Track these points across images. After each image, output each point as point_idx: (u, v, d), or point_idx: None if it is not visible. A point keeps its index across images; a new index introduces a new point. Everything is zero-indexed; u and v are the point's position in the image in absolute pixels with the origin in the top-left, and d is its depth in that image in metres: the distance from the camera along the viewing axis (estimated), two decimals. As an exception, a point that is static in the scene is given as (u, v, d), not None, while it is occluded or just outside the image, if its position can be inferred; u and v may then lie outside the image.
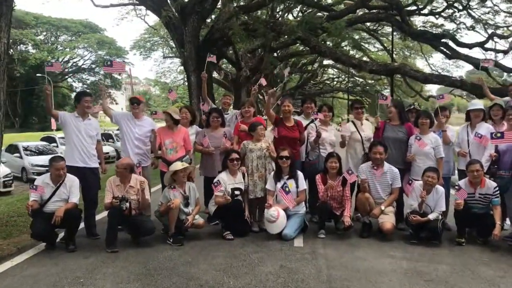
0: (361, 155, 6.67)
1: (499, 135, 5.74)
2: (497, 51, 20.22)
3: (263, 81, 7.08)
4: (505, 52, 19.78)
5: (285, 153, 6.25)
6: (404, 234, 6.17)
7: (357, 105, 6.97)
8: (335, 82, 45.81)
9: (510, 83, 7.95)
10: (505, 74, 20.89)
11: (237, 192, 6.17)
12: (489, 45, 19.98)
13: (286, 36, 19.14)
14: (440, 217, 5.80)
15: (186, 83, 17.95)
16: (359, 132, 6.65)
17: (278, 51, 27.91)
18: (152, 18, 31.32)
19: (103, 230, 5.81)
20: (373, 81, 38.91)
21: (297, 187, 6.22)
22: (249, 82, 23.81)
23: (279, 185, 6.16)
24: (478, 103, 6.37)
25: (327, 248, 5.63)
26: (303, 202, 6.36)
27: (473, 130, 6.25)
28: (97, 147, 6.26)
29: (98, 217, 6.64)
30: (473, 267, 4.97)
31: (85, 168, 6.02)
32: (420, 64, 35.83)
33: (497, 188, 5.75)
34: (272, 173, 6.33)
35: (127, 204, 5.56)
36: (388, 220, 5.96)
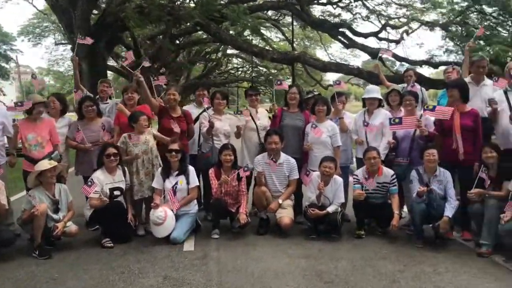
0: (256, 145, 6.16)
1: (397, 121, 5.52)
2: (390, 41, 21.09)
3: (145, 63, 6.27)
4: (397, 42, 20.68)
5: (175, 146, 5.56)
6: (303, 228, 5.79)
7: (251, 92, 6.43)
8: (239, 72, 45.66)
9: (406, 69, 7.90)
10: (397, 63, 21.81)
11: (117, 193, 5.36)
12: (383, 35, 20.79)
13: (188, 23, 18.30)
14: (339, 209, 5.49)
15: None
16: (254, 121, 6.14)
17: (181, 39, 26.95)
18: (42, 1, 28.52)
19: None
20: (276, 71, 39.30)
21: (188, 183, 5.57)
22: (150, 71, 22.59)
23: (168, 183, 5.47)
24: (374, 90, 6.13)
25: (221, 250, 5.06)
26: (195, 200, 5.71)
27: (370, 116, 6.02)
28: None
29: None
30: (373, 262, 4.68)
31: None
32: (320, 54, 36.79)
33: (394, 176, 5.55)
34: (160, 169, 5.61)
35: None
36: (286, 215, 5.53)
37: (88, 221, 5.41)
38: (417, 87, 6.72)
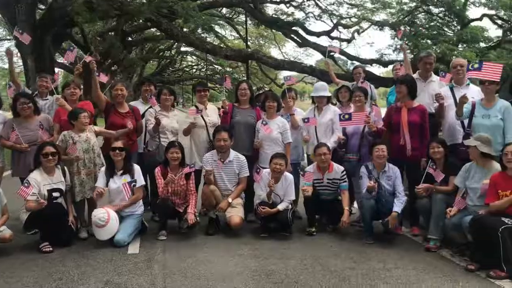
0: (206, 143, 5.97)
1: (347, 116, 5.49)
2: (341, 40, 21.44)
3: (87, 58, 5.93)
4: (348, 41, 21.02)
5: (118, 143, 5.29)
6: (254, 227, 5.66)
7: (199, 88, 6.20)
8: (194, 70, 45.14)
9: (355, 66, 7.94)
10: (349, 62, 22.18)
11: (56, 194, 5.02)
12: (335, 34, 21.09)
13: (140, 20, 17.83)
14: (290, 206, 5.40)
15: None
16: (203, 118, 5.94)
17: (133, 36, 26.25)
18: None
19: None
20: (231, 69, 39.12)
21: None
22: (101, 68, 21.88)
23: (112, 183, 5.20)
24: (321, 89, 6.08)
25: (167, 252, 4.85)
26: (141, 201, 5.46)
27: (320, 113, 5.97)
28: None
29: None
30: (323, 259, 4.60)
31: None
32: (275, 53, 36.89)
33: (344, 172, 5.53)
34: (103, 168, 5.32)
35: None
36: (236, 214, 5.37)
37: (24, 225, 5.05)
38: (367, 84, 6.75)
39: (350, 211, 5.41)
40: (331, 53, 18.72)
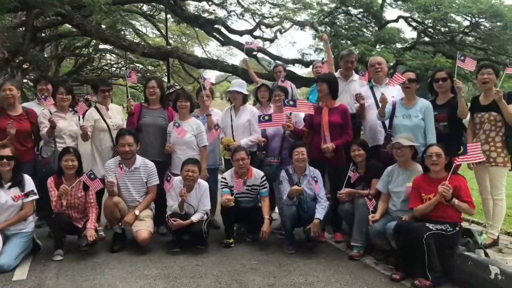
0: (109, 148, 5.30)
1: (266, 118, 5.08)
2: (264, 39, 21.25)
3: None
4: (271, 41, 20.89)
5: (6, 151, 4.50)
6: (166, 240, 5.11)
7: (103, 87, 5.42)
8: (114, 68, 43.13)
9: (275, 65, 7.61)
10: (273, 62, 22.04)
11: None
12: (257, 33, 20.85)
13: (51, 14, 16.44)
14: (205, 217, 4.90)
15: None
16: (104, 120, 5.26)
17: (45, 31, 24.36)
18: None
19: None
20: (153, 68, 37.82)
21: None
22: (9, 65, 19.98)
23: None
24: (237, 84, 5.65)
25: (61, 276, 4.16)
26: (31, 217, 4.70)
27: (237, 113, 5.54)
28: None
29: None
30: (241, 275, 4.15)
31: None
32: (199, 52, 36.11)
33: (264, 178, 5.13)
34: (-16, 180, 4.50)
35: None
36: (144, 228, 4.78)
37: None
38: (288, 83, 6.42)
39: (270, 219, 5.02)
40: (253, 53, 18.66)
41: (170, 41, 31.85)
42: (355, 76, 5.62)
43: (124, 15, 20.09)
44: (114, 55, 38.53)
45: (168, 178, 4.80)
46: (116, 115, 5.44)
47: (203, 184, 4.91)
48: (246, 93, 5.62)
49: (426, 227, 3.94)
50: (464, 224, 5.06)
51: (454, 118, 4.67)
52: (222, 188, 5.05)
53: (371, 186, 4.79)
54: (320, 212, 4.74)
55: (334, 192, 4.95)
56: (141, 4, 24.39)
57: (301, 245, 4.95)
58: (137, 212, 4.84)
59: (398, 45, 15.34)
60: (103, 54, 39.09)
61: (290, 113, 5.23)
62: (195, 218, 4.77)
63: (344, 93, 5.42)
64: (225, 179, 5.07)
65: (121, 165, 4.88)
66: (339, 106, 5.08)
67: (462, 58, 4.73)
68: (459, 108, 4.56)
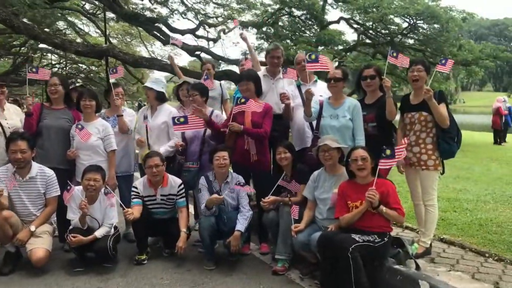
0: (4, 154, 4.60)
1: (182, 120, 4.57)
2: (208, 39, 20.78)
3: None
4: (214, 41, 20.44)
5: None
6: (69, 258, 4.48)
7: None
8: (56, 69, 41.13)
9: (203, 62, 7.11)
10: (221, 62, 21.58)
11: None
12: (201, 33, 20.37)
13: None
14: (112, 231, 4.33)
15: None
16: (-1, 122, 4.58)
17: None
18: None
19: None
20: (97, 68, 36.38)
21: None
22: None
23: None
24: (153, 80, 5.11)
25: None
26: None
27: (153, 113, 5.02)
28: None
29: None
30: (147, 298, 3.63)
31: None
32: (144, 52, 34.98)
33: (182, 187, 4.62)
34: None
35: None
36: (40, 246, 4.15)
37: None
38: (215, 82, 5.99)
39: (187, 233, 4.51)
40: (196, 52, 18.12)
41: (114, 40, 30.81)
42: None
43: (63, 13, 19.07)
44: (55, 55, 36.86)
45: (68, 188, 4.19)
46: (14, 116, 4.75)
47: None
48: (160, 89, 5.08)
49: (351, 239, 3.56)
50: (397, 231, 4.80)
51: (384, 119, 4.36)
52: (133, 198, 4.50)
53: (297, 193, 4.39)
54: (241, 223, 4.29)
55: (260, 199, 4.51)
56: (83, 2, 23.40)
57: (222, 259, 4.48)
58: (32, 228, 4.20)
59: (340, 47, 15.31)
60: (44, 53, 37.33)
61: (211, 113, 4.78)
62: (99, 233, 4.19)
63: (271, 93, 5.02)
64: (136, 188, 4.52)
65: (15, 174, 4.22)
66: (264, 106, 4.65)
67: (394, 54, 4.42)
68: (387, 108, 4.24)
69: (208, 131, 4.79)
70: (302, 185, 4.37)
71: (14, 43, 29.90)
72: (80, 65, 36.97)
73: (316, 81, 4.97)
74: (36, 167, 4.33)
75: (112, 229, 4.33)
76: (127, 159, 5.08)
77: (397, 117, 4.50)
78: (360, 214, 3.71)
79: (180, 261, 4.48)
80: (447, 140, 4.15)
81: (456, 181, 7.82)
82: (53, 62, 41.17)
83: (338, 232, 3.78)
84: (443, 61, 4.37)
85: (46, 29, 19.50)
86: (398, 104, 4.42)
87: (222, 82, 6.59)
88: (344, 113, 4.33)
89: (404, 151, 3.81)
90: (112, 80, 4.99)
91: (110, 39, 28.42)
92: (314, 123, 4.58)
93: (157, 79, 5.15)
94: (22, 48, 31.90)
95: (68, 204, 4.26)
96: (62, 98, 4.78)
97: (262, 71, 5.19)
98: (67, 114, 4.78)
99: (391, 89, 4.27)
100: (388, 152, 3.69)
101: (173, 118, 4.58)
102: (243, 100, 4.45)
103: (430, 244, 4.35)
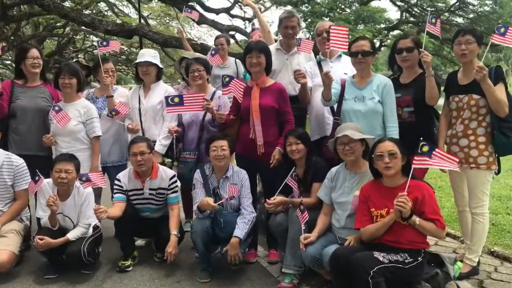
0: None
1: (176, 100, 3.80)
2: (243, 18, 20.08)
3: None
4: (249, 20, 19.66)
5: None
6: (41, 262, 3.86)
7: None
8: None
9: (217, 36, 6.30)
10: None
11: None
12: (236, 12, 19.69)
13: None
14: (90, 232, 3.67)
15: None
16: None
17: (14, 9, 22.85)
18: None
19: None
20: (136, 50, 36.39)
21: None
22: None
23: None
24: (148, 54, 4.34)
25: None
26: None
27: (147, 93, 4.30)
28: None
29: None
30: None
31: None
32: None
33: (175, 179, 3.90)
34: None
35: None
36: (4, 248, 3.51)
37: None
38: (230, 59, 5.23)
39: (178, 236, 3.78)
40: (230, 32, 17.37)
41: (153, 22, 30.57)
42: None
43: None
44: (96, 38, 37.11)
45: (36, 178, 3.54)
46: None
47: (83, 189, 3.63)
48: (161, 65, 4.35)
49: (374, 259, 2.73)
50: (433, 241, 3.93)
51: (423, 102, 3.45)
52: (115, 193, 3.81)
53: (311, 192, 3.58)
54: (241, 228, 3.52)
55: (268, 198, 3.70)
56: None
57: (222, 269, 3.74)
58: (-2, 226, 3.60)
59: (382, 26, 14.13)
60: (87, 35, 37.70)
61: (214, 93, 4.03)
62: (72, 235, 3.53)
63: (284, 70, 4.18)
64: (119, 181, 3.82)
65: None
66: (273, 85, 3.81)
67: (434, 20, 3.48)
68: (427, 89, 3.34)
69: (208, 115, 4.02)
70: (317, 183, 3.55)
71: (57, 24, 30.20)
72: (122, 47, 37.12)
73: (340, 55, 4.08)
74: (2, 155, 3.70)
75: (90, 230, 3.66)
76: (119, 147, 4.38)
77: (441, 101, 3.59)
78: (387, 226, 2.86)
79: (172, 269, 3.76)
80: (505, 132, 3.23)
81: (508, 175, 6.76)
82: (95, 44, 41.58)
83: (358, 247, 2.95)
84: (502, 30, 3.36)
85: (87, 11, 19.33)
86: (443, 88, 3.51)
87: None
88: (372, 94, 3.45)
89: (449, 160, 2.85)
90: (100, 54, 4.28)
91: (149, 20, 28.19)
92: (336, 106, 3.72)
93: (154, 53, 4.40)
94: (67, 30, 32.24)
95: (38, 200, 3.62)
96: (39, 74, 4.12)
97: (274, 45, 4.34)
98: (44, 92, 4.11)
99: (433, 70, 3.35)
100: (425, 148, 2.79)
101: (166, 98, 3.82)
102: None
103: (478, 262, 3.46)
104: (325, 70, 3.62)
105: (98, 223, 3.79)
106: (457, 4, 13.02)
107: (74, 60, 5.08)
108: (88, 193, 3.64)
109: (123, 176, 3.84)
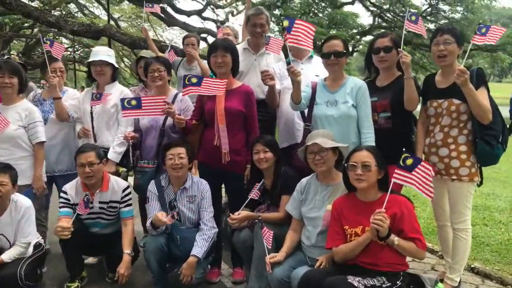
0: None
1: (134, 103, 3.41)
2: (215, 21, 19.87)
3: None
4: (222, 22, 19.38)
5: None
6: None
7: None
8: (68, 52, 40.49)
9: (185, 35, 5.93)
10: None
11: None
12: (207, 14, 19.51)
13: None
14: (30, 251, 3.24)
15: None
16: None
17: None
18: None
19: None
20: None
21: None
22: None
23: None
24: (101, 52, 3.94)
25: None
26: None
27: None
28: None
29: None
30: None
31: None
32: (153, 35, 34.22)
33: (128, 191, 3.51)
34: None
35: None
36: None
37: None
38: (172, 54, 4.92)
39: (133, 254, 3.38)
40: (202, 35, 17.02)
41: (124, 24, 30.01)
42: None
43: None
44: (67, 40, 36.16)
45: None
46: None
47: (22, 202, 3.21)
48: (116, 65, 3.96)
49: (348, 284, 2.41)
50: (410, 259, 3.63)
51: (401, 107, 3.16)
52: (61, 207, 3.39)
53: (280, 206, 3.25)
54: (199, 246, 3.16)
55: (234, 211, 3.35)
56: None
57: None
58: None
59: (355, 31, 14.05)
60: (57, 37, 36.65)
61: (176, 95, 3.66)
62: (7, 256, 3.10)
63: (252, 71, 3.86)
64: (65, 193, 3.40)
65: None
66: (240, 87, 3.47)
67: (413, 18, 3.22)
68: (406, 93, 3.06)
69: (169, 120, 3.63)
70: (286, 196, 3.22)
71: (25, 25, 29.21)
72: (92, 49, 36.23)
73: (311, 56, 3.77)
74: None
75: (30, 249, 3.23)
76: (68, 154, 3.93)
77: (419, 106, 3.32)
78: (362, 247, 2.55)
79: (125, 289, 3.37)
80: (489, 140, 2.96)
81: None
82: (65, 46, 40.55)
83: (330, 270, 2.63)
84: (483, 30, 3.11)
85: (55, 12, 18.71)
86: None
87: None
88: (345, 98, 3.14)
89: (430, 173, 2.58)
90: (46, 51, 3.86)
91: (120, 22, 27.60)
92: (307, 111, 3.40)
93: (110, 52, 4.00)
94: (35, 30, 31.22)
95: (-31, 215, 3.18)
96: None
97: (242, 44, 4.00)
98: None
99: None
100: (409, 161, 2.50)
101: (122, 100, 3.42)
102: (194, 80, 3.26)
103: (459, 282, 3.19)
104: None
105: (41, 240, 3.38)
106: (429, 10, 13.02)
107: (6, 57, 4.60)
108: (27, 207, 3.21)
109: (70, 188, 3.42)
